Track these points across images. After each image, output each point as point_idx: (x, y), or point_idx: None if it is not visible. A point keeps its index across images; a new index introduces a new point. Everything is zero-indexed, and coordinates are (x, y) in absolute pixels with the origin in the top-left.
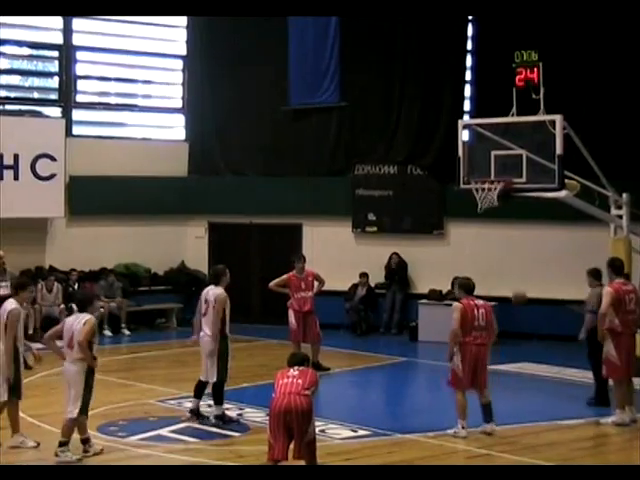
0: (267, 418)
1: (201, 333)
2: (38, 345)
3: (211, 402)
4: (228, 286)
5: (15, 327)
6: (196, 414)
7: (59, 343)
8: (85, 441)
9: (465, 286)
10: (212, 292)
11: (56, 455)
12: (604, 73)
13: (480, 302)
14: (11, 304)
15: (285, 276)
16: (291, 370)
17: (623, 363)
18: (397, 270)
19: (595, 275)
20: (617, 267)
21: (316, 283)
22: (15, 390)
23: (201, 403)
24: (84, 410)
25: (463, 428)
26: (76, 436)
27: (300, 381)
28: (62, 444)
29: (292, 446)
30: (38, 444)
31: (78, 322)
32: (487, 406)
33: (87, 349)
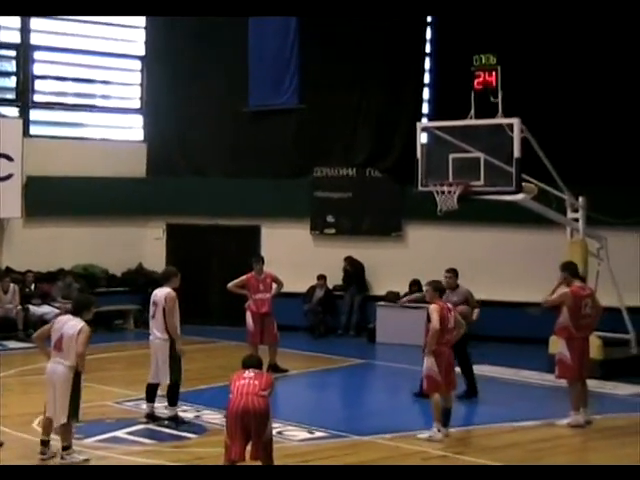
0: (224, 420)
1: (151, 336)
2: None
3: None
4: (183, 288)
5: None
6: (152, 418)
7: None
8: (44, 443)
9: (439, 289)
10: (160, 293)
11: (62, 458)
12: (562, 77)
13: (449, 305)
14: None
15: (244, 277)
16: (247, 372)
17: (576, 365)
18: (352, 273)
19: (457, 274)
20: (574, 270)
21: (274, 285)
22: None
23: (158, 405)
24: (74, 414)
25: (439, 431)
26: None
27: (257, 382)
28: (65, 448)
29: (249, 447)
30: (1, 444)
31: (71, 327)
32: (448, 411)
33: (84, 359)
